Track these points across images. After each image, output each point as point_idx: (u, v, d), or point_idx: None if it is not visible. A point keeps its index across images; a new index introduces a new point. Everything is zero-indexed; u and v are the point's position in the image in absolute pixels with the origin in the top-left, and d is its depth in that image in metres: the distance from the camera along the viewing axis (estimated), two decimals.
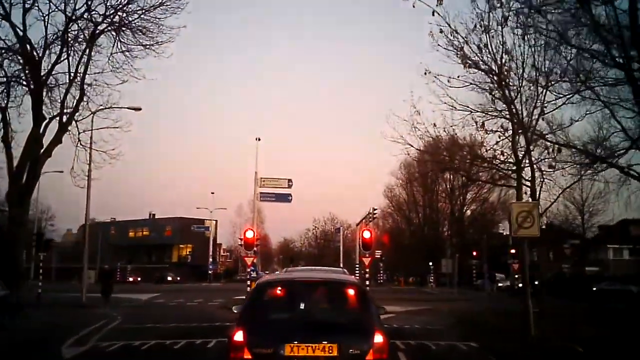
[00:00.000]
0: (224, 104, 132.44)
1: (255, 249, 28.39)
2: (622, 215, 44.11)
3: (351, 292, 6.49)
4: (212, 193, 73.26)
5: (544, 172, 17.59)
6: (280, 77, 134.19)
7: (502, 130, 16.00)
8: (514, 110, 14.98)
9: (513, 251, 45.03)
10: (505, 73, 14.50)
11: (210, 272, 69.10)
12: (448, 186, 72.95)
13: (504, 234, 63.25)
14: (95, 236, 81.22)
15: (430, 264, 58.67)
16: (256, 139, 31.28)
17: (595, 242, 55.81)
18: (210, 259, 68.02)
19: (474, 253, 51.01)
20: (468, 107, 16.06)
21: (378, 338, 5.76)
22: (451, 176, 72.19)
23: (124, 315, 20.22)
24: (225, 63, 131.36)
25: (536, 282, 46.10)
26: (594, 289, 36.05)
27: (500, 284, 51.33)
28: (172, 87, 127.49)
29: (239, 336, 5.76)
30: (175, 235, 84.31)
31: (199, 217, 72.78)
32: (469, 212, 72.75)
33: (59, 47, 19.25)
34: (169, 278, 68.56)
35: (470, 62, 13.93)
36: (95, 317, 19.07)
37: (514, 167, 15.70)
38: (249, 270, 24.48)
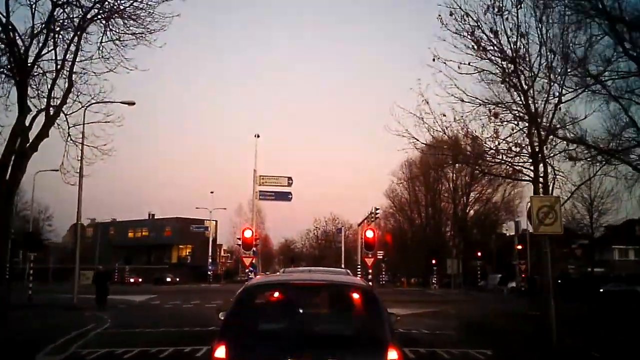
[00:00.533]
0: (223, 104, 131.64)
1: (254, 248, 27.45)
2: (635, 214, 42.91)
3: (359, 297, 5.38)
4: (212, 192, 72.44)
5: (556, 169, 16.77)
6: (280, 77, 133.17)
7: (515, 122, 15.04)
8: (529, 100, 13.94)
9: (520, 247, 44.01)
10: (520, 59, 13.46)
11: (209, 272, 68.01)
12: (451, 186, 72.02)
13: (508, 234, 62.39)
14: (95, 236, 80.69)
15: (435, 264, 57.45)
16: (255, 136, 30.40)
17: (601, 242, 54.90)
18: (210, 260, 66.82)
19: (479, 254, 50.06)
20: (477, 98, 15.17)
21: (392, 354, 4.65)
22: (454, 175, 71.49)
23: (115, 318, 19.31)
24: (225, 63, 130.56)
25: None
26: (601, 290, 35.26)
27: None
28: (171, 86, 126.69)
29: (220, 352, 4.66)
30: (175, 235, 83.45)
31: (199, 217, 71.94)
32: (472, 212, 71.87)
33: (45, 35, 18.15)
34: (168, 279, 67.45)
35: (483, 44, 12.89)
36: (84, 320, 18.19)
37: (530, 160, 14.67)
38: (247, 270, 23.42)
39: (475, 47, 12.97)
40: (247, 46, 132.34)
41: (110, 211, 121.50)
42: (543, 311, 15.67)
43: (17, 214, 74.62)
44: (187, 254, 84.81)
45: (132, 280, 65.23)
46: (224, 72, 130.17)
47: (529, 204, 11.52)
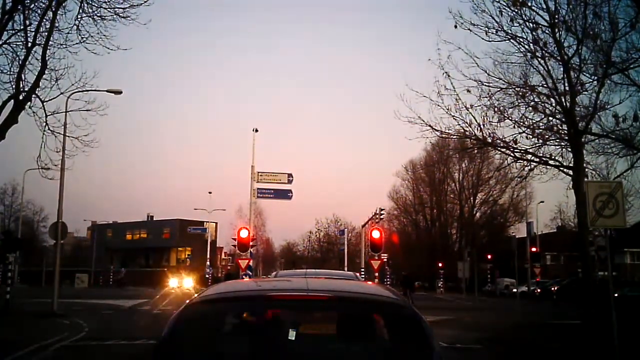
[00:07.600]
0: (224, 104, 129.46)
1: (251, 250, 25.41)
2: None
3: (389, 319, 3.19)
4: (210, 192, 71.08)
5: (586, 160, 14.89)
6: (281, 78, 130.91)
7: (548, 104, 12.98)
8: (570, 73, 11.87)
9: (534, 249, 41.65)
10: (561, 23, 11.39)
11: (207, 276, 65.89)
12: (457, 186, 70.09)
13: (516, 236, 60.41)
14: (92, 239, 78.68)
15: (442, 267, 55.11)
16: (253, 130, 28.42)
17: (612, 245, 52.77)
18: (208, 262, 64.62)
19: (489, 256, 47.91)
20: (501, 79, 13.26)
21: None
22: (460, 176, 69.54)
23: (93, 326, 17.33)
24: (226, 63, 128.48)
25: (553, 289, 43.23)
26: (615, 295, 33.16)
27: (514, 290, 47.89)
28: (171, 86, 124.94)
29: None
30: (174, 237, 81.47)
31: (200, 219, 70.07)
32: (478, 214, 69.86)
33: (15, 12, 16.24)
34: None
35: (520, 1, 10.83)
36: (57, 329, 16.17)
37: (565, 144, 12.61)
38: (242, 274, 21.39)
39: (512, 2, 10.91)
40: (247, 46, 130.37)
41: (112, 215, 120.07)
42: (585, 320, 13.65)
43: (11, 215, 73.45)
44: (187, 256, 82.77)
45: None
46: (224, 73, 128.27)
47: (584, 191, 9.41)
